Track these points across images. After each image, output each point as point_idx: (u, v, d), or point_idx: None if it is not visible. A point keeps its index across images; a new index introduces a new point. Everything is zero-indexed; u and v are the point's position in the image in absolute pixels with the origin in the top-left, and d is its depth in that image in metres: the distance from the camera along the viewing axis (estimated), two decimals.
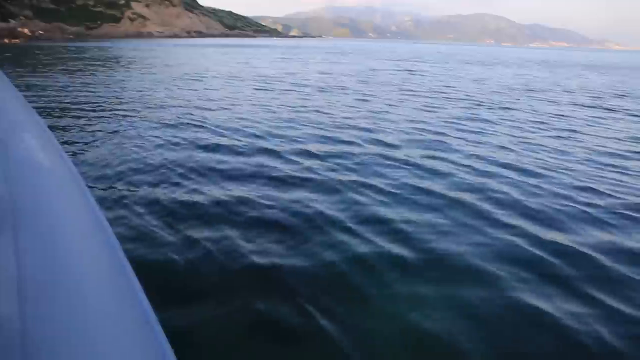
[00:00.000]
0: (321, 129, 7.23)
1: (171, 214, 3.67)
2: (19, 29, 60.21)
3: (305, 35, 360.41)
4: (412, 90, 13.15)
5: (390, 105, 10.26)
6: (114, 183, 4.31)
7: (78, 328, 0.63)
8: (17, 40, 46.99)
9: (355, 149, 6.03)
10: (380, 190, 4.42)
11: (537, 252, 3.27)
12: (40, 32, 62.51)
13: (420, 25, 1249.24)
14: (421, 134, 7.17)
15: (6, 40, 44.58)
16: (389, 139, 6.76)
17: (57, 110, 8.54)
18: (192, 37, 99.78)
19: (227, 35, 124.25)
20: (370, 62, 27.35)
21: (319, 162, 5.29)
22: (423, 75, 18.64)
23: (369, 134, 6.97)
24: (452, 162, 5.60)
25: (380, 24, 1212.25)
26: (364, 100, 10.77)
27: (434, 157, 5.77)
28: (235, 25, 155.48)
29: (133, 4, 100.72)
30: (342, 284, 2.78)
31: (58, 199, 1.03)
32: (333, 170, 5.01)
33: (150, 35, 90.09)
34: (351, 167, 5.13)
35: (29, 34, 58.97)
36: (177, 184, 4.34)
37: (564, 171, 5.35)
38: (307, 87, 13.13)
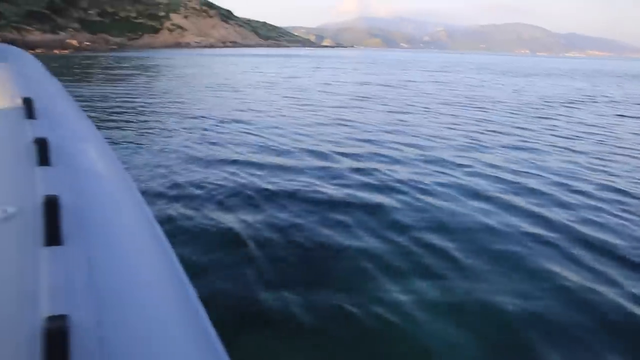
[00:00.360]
0: (359, 141, 7.11)
1: (214, 224, 3.64)
2: (68, 41, 63.09)
3: (337, 45, 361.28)
4: (448, 101, 13.17)
5: (427, 116, 10.19)
6: (159, 192, 4.31)
7: (150, 334, 0.67)
8: (66, 51, 49.20)
9: (396, 163, 5.90)
10: (434, 205, 4.36)
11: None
12: (86, 43, 65.34)
13: (453, 36, 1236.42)
14: (465, 145, 7.16)
15: (56, 51, 46.77)
16: (429, 149, 6.70)
17: (100, 118, 8.62)
18: (228, 47, 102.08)
19: (261, 45, 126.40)
20: (403, 73, 27.43)
21: (361, 178, 5.11)
22: (457, 86, 18.64)
23: (412, 147, 6.87)
24: (497, 168, 5.68)
25: (413, 34, 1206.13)
26: (401, 111, 10.76)
27: (478, 168, 5.78)
28: (269, 36, 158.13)
29: (172, 16, 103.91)
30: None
31: (119, 208, 1.08)
32: (383, 187, 4.85)
33: (187, 45, 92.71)
34: (395, 183, 4.97)
35: (77, 44, 61.71)
36: (217, 196, 4.29)
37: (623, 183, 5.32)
38: (341, 98, 13.12)
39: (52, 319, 0.62)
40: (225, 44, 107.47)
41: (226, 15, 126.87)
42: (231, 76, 20.79)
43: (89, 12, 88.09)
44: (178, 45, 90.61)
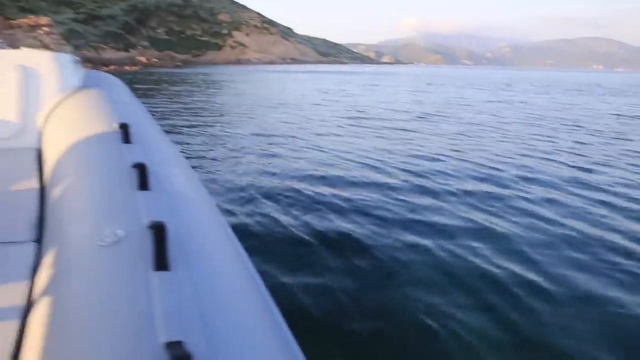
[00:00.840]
0: (425, 160, 6.78)
1: (289, 241, 3.63)
2: (137, 57, 66.88)
3: (397, 62, 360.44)
4: (517, 120, 12.24)
5: (494, 135, 9.49)
6: (235, 210, 4.33)
7: (246, 356, 0.72)
8: (135, 67, 51.81)
9: (463, 181, 5.62)
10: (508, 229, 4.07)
11: None
12: (154, 59, 68.96)
13: (518, 51, 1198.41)
14: (538, 167, 6.54)
15: (127, 68, 49.35)
16: (499, 171, 6.25)
17: (169, 135, 8.81)
18: (287, 63, 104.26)
19: (320, 62, 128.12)
20: (465, 90, 26.18)
21: (426, 196, 4.95)
22: (524, 105, 17.49)
23: (478, 167, 6.45)
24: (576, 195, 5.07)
25: (475, 51, 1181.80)
26: (467, 130, 10.11)
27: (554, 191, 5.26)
28: (329, 52, 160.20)
29: (234, 33, 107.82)
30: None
31: (211, 232, 1.11)
32: (448, 207, 4.65)
33: (248, 61, 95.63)
34: (463, 204, 4.73)
35: (145, 61, 65.22)
36: (288, 212, 4.28)
37: None
38: (402, 115, 12.68)
39: (170, 345, 0.65)
40: (285, 60, 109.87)
41: (287, 33, 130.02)
42: (292, 93, 20.62)
43: (157, 30, 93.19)
44: (239, 61, 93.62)
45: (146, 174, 1.22)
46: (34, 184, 1.84)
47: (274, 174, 5.62)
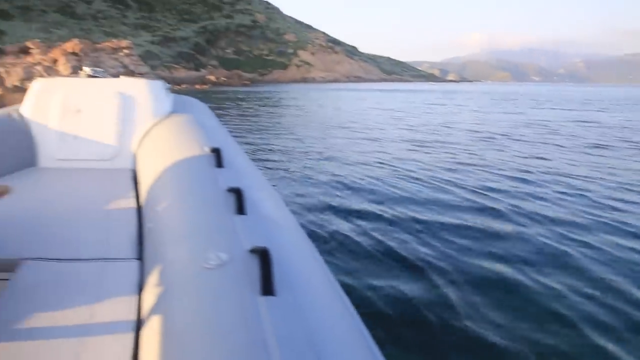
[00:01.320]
0: (498, 183, 6.33)
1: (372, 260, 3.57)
2: (207, 77, 69.53)
3: (462, 79, 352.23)
4: (602, 143, 10.89)
5: (576, 158, 8.46)
6: (315, 230, 4.26)
7: None
8: (205, 86, 53.77)
9: (543, 206, 5.15)
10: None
11: None
12: (223, 78, 71.34)
13: (592, 67, 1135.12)
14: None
15: (197, 86, 51.34)
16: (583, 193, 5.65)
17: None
18: (352, 81, 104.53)
19: (384, 80, 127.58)
20: (537, 109, 24.20)
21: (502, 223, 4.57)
22: (610, 127, 15.79)
23: (560, 193, 5.85)
24: None
25: (546, 67, 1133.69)
26: (542, 152, 9.11)
27: None
28: (393, 71, 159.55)
29: (300, 52, 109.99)
30: None
31: (305, 256, 1.12)
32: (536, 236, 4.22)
33: (313, 80, 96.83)
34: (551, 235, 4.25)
35: (214, 80, 67.55)
36: (366, 232, 4.16)
37: None
38: (470, 136, 11.85)
39: None
40: (349, 78, 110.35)
41: (351, 51, 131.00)
42: (357, 111, 20.15)
43: (226, 50, 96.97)
44: (304, 80, 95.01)
45: (242, 198, 1.26)
46: (132, 203, 1.94)
47: (346, 193, 5.59)
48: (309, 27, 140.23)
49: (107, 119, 2.71)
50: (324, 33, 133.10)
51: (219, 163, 1.66)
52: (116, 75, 3.28)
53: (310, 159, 7.88)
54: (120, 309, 1.10)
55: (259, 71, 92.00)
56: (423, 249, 3.81)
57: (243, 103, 24.23)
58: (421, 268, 3.46)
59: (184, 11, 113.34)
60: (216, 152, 1.71)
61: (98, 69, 3.33)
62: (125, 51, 56.67)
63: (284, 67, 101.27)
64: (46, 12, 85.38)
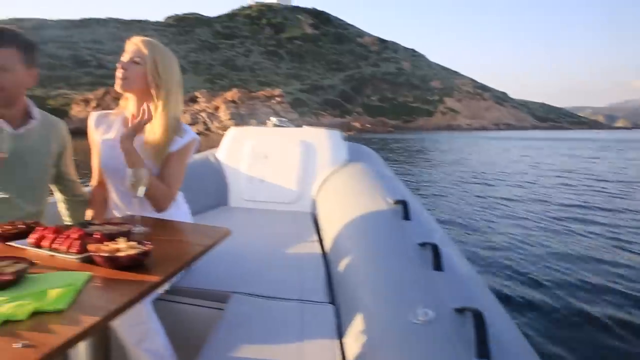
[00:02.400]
0: None
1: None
2: (352, 123, 70.22)
3: (635, 126, 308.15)
4: None
5: None
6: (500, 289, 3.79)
7: None
8: (351, 133, 54.01)
9: None
10: None
11: None
12: (367, 125, 71.36)
13: None
14: None
15: (343, 133, 51.80)
16: None
17: None
18: (500, 129, 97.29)
19: (537, 128, 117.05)
20: None
21: None
22: None
23: None
24: None
25: None
26: None
27: None
28: (547, 117, 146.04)
29: (446, 99, 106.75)
30: None
31: (499, 312, 1.10)
32: None
33: (459, 127, 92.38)
34: None
35: (359, 127, 67.84)
36: (547, 291, 3.73)
37: None
38: None
39: None
40: (498, 126, 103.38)
41: (501, 97, 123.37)
42: (512, 163, 17.31)
43: (372, 98, 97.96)
44: (449, 127, 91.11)
45: (440, 254, 1.26)
46: (316, 246, 2.03)
47: (519, 250, 5.04)
48: (455, 73, 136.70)
49: (290, 165, 2.91)
50: (471, 79, 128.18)
51: (406, 215, 1.64)
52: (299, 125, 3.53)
53: (476, 214, 7.10)
54: (324, 351, 1.16)
55: (403, 118, 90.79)
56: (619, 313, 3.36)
57: (393, 152, 22.42)
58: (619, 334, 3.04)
59: (332, 61, 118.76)
60: (402, 204, 1.72)
61: (283, 119, 3.62)
62: (277, 99, 59.98)
63: (429, 114, 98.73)
64: (212, 66, 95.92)
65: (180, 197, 1.75)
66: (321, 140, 3.01)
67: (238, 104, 57.95)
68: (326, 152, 2.95)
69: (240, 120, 52.70)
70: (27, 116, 1.56)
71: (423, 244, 1.33)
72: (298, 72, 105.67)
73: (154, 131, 1.57)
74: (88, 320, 0.74)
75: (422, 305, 0.99)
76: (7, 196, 1.47)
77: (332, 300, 1.45)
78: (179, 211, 1.70)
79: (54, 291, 0.84)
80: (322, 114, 73.25)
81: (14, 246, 1.13)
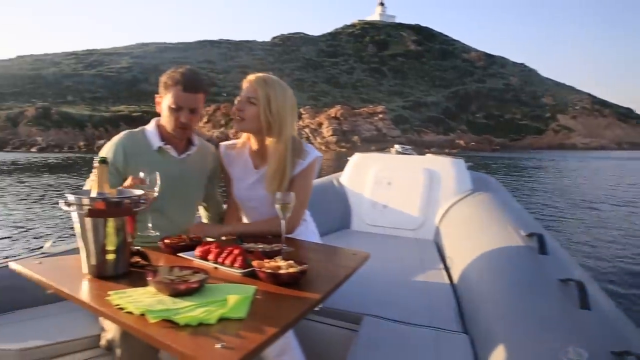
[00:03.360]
0: None
1: None
2: (456, 141, 68.36)
3: None
4: None
5: None
6: None
7: None
8: (454, 150, 52.79)
9: None
10: None
11: None
12: (472, 143, 68.94)
13: None
14: None
15: (446, 151, 50.63)
16: None
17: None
18: (623, 149, 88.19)
19: None
20: None
21: None
22: None
23: None
24: None
25: None
26: None
27: None
28: None
29: (559, 117, 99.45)
30: None
31: None
32: None
33: (573, 146, 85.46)
34: None
35: (463, 144, 65.87)
36: None
37: None
38: None
39: None
40: (620, 145, 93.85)
41: (625, 114, 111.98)
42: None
43: (477, 115, 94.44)
44: (562, 146, 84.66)
45: (586, 293, 1.19)
46: (443, 275, 2.02)
47: None
48: (571, 88, 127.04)
49: (413, 192, 2.92)
50: (589, 95, 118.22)
51: (543, 250, 1.57)
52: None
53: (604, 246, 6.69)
54: None
55: (510, 136, 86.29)
56: None
57: (509, 174, 21.49)
58: None
59: (435, 77, 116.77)
60: (537, 237, 1.64)
61: (407, 146, 3.52)
62: (380, 116, 60.42)
63: (539, 132, 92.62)
64: (316, 83, 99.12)
65: (307, 215, 1.84)
66: (445, 169, 2.98)
67: (341, 120, 59.51)
68: (450, 180, 2.92)
69: (342, 136, 54.06)
70: (189, 143, 1.75)
71: (564, 280, 1.29)
72: (400, 89, 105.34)
73: (272, 164, 1.66)
74: (269, 329, 0.79)
75: (573, 345, 0.96)
76: (168, 212, 1.64)
77: (466, 330, 1.44)
78: (307, 230, 1.79)
79: (232, 300, 0.92)
80: (424, 131, 72.22)
81: (183, 257, 1.29)
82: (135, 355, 1.28)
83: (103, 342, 1.41)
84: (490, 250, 1.75)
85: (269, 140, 1.66)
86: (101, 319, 1.45)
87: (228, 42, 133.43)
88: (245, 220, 1.82)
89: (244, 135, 1.76)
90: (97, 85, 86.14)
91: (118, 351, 1.29)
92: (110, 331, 1.34)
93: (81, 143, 53.57)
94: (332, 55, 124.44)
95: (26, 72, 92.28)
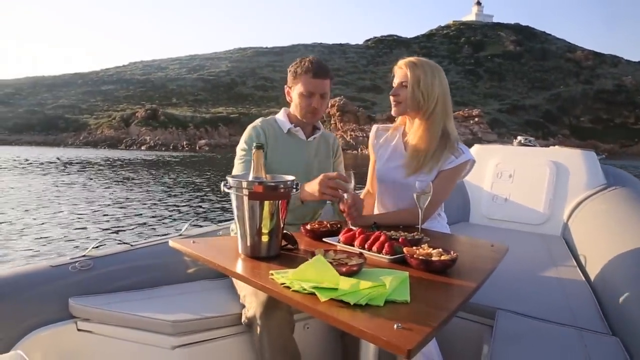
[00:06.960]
0: None
1: None
2: (557, 146, 64.00)
3: None
4: None
5: None
6: None
7: None
8: None
9: None
10: None
11: None
12: (575, 149, 64.24)
13: None
14: None
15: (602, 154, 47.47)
16: None
17: None
18: None
19: None
20: None
21: None
22: None
23: None
24: None
25: None
26: None
27: None
28: None
29: None
30: None
31: None
32: None
33: None
34: None
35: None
36: None
37: None
38: None
39: None
40: None
41: None
42: None
43: (581, 119, 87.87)
44: None
45: None
46: (576, 272, 1.92)
47: None
48: None
49: (538, 186, 2.82)
50: None
51: None
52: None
53: None
54: None
55: (620, 142, 79.28)
56: None
57: None
58: None
59: (535, 79, 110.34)
60: None
61: (530, 137, 3.48)
62: (476, 119, 58.80)
63: None
64: None
65: (442, 210, 1.83)
66: (574, 162, 2.84)
67: None
68: (580, 174, 2.78)
69: None
70: (314, 127, 1.85)
71: None
72: (497, 91, 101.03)
73: (415, 140, 1.67)
74: (439, 312, 0.78)
75: None
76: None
77: (614, 332, 1.36)
78: (441, 225, 1.78)
79: (391, 282, 0.90)
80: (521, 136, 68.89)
81: (328, 242, 1.30)
82: (273, 333, 1.37)
83: (244, 319, 1.47)
84: (637, 249, 1.62)
85: (419, 121, 1.70)
86: (242, 297, 1.52)
87: (321, 45, 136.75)
88: (378, 204, 1.86)
89: (399, 119, 1.82)
90: (199, 88, 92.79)
91: (258, 328, 1.38)
92: (251, 309, 1.42)
93: (184, 142, 58.18)
94: (426, 57, 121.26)
95: (137, 77, 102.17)
